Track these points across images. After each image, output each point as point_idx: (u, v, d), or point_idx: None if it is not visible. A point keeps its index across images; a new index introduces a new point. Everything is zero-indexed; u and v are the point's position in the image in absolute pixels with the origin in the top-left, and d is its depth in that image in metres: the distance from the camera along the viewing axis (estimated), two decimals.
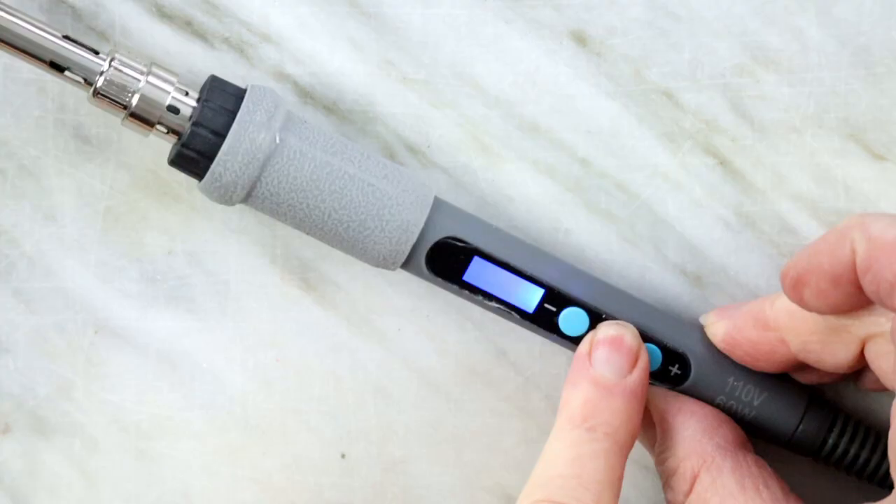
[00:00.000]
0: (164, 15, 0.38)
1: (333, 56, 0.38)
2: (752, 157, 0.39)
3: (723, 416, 0.37)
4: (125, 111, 0.35)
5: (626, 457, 0.35)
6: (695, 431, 0.36)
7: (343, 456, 0.41)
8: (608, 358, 0.36)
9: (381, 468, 0.41)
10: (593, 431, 0.35)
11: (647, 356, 0.36)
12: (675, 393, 0.37)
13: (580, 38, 0.39)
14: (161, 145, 0.38)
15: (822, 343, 0.35)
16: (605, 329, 0.36)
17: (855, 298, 0.33)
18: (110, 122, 0.39)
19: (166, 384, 0.40)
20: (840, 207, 0.39)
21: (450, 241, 0.36)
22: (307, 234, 0.37)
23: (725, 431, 0.37)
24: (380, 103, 0.39)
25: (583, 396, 0.35)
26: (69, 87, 0.38)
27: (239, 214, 0.39)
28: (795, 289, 0.34)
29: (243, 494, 0.41)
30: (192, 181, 0.39)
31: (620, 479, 0.34)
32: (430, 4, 0.38)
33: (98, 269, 0.39)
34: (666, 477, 0.36)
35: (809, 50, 0.38)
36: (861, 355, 0.35)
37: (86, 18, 0.38)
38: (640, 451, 0.40)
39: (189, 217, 0.39)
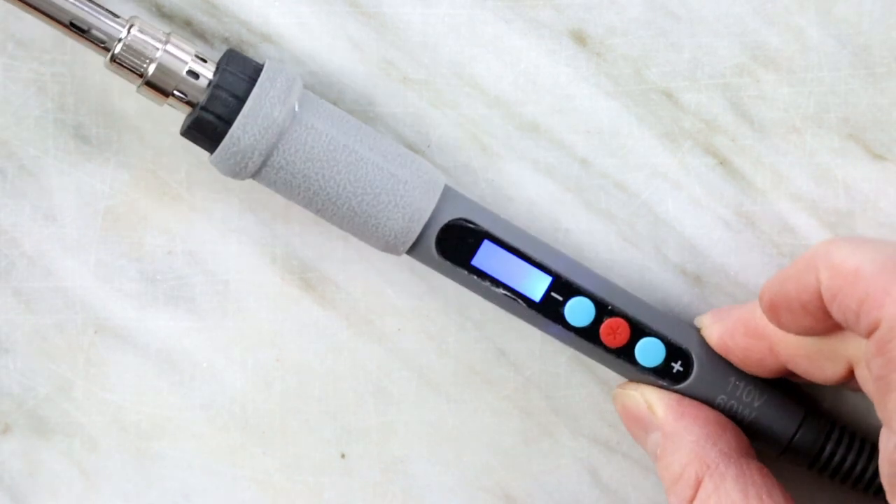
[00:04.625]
0: (164, 15, 0.38)
1: (333, 56, 0.38)
2: (752, 157, 0.39)
3: (726, 421, 0.37)
4: (141, 79, 0.35)
5: None
6: (698, 437, 0.36)
7: (343, 456, 0.41)
8: None
9: (381, 468, 0.41)
10: None
11: None
12: (678, 396, 0.37)
13: (580, 38, 0.39)
14: (161, 145, 0.38)
15: (810, 359, 0.35)
16: None
17: (829, 323, 0.33)
18: (110, 122, 0.39)
19: (166, 384, 0.40)
20: (840, 207, 0.39)
21: (461, 222, 0.36)
22: (317, 212, 0.36)
23: (729, 438, 0.36)
24: (380, 103, 0.39)
25: None
26: (69, 86, 0.38)
27: (239, 214, 0.39)
28: (771, 312, 0.34)
29: (243, 494, 0.41)
30: (192, 181, 0.39)
31: None
32: (430, 4, 0.38)
33: (98, 269, 0.39)
34: (669, 482, 0.36)
35: (809, 50, 0.38)
36: (849, 372, 0.35)
37: None
38: (640, 450, 0.40)
39: (189, 217, 0.39)
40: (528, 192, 0.39)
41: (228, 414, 0.40)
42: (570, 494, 0.41)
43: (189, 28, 0.38)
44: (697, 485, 0.35)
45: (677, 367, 0.37)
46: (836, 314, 0.32)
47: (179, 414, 0.40)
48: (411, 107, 0.39)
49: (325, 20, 0.38)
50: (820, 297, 0.33)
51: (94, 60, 0.38)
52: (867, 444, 0.38)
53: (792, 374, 0.37)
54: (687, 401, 0.37)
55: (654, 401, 0.37)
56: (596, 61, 0.39)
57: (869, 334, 0.31)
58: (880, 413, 0.32)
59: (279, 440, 0.40)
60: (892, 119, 0.39)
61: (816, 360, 0.35)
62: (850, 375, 0.35)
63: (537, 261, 0.37)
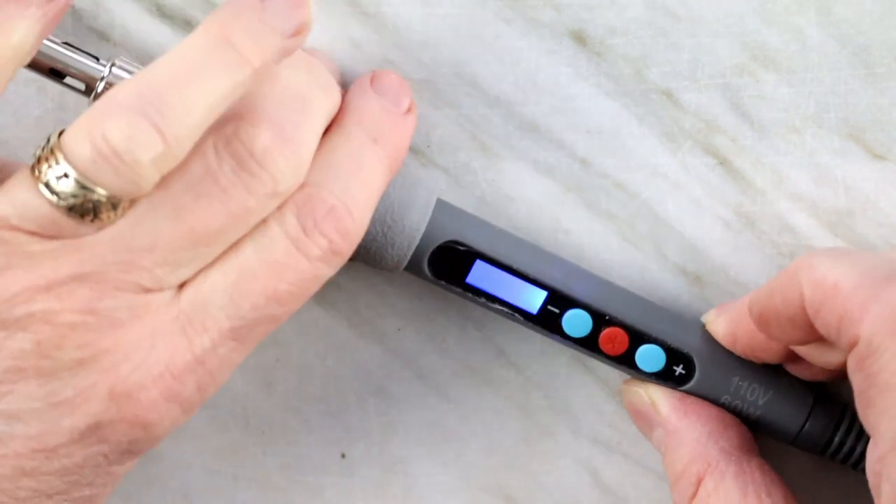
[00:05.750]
0: (164, 15, 0.38)
1: (333, 56, 0.38)
2: (752, 157, 0.39)
3: (730, 418, 0.37)
4: None
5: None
6: (700, 435, 0.36)
7: (343, 456, 0.41)
8: (396, 93, 0.36)
9: (381, 468, 0.41)
10: (378, 145, 0.35)
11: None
12: (681, 394, 0.37)
13: (580, 38, 0.39)
14: None
15: (812, 345, 0.35)
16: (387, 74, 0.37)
17: (818, 335, 0.33)
18: None
19: None
20: (840, 207, 0.39)
21: (452, 244, 0.37)
22: None
23: (731, 435, 0.37)
24: None
25: (375, 114, 0.35)
26: None
27: None
28: (760, 324, 0.35)
29: (243, 494, 0.41)
30: None
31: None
32: (430, 4, 0.38)
33: None
34: (672, 479, 0.36)
35: (809, 50, 0.38)
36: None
37: (86, 18, 0.38)
38: (640, 450, 0.40)
39: None
40: (528, 192, 0.39)
41: (228, 414, 0.40)
42: (570, 494, 0.41)
43: (189, 28, 0.38)
44: (699, 483, 0.35)
45: (679, 370, 0.37)
46: (820, 329, 0.32)
47: None
48: None
49: (325, 20, 0.38)
50: (805, 311, 0.32)
51: None
52: None
53: (798, 358, 0.37)
54: (690, 399, 0.37)
55: (657, 399, 0.37)
56: (596, 61, 0.39)
57: (849, 349, 0.31)
58: (865, 426, 0.32)
59: (279, 440, 0.40)
60: (892, 119, 0.39)
61: (818, 348, 0.35)
62: None
63: (531, 276, 0.37)
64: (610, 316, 0.37)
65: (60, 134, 0.30)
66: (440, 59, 0.39)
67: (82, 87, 0.35)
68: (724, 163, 0.39)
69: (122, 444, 0.32)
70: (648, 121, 0.39)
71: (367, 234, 0.36)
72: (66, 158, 0.30)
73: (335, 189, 0.33)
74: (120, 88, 0.30)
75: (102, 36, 0.38)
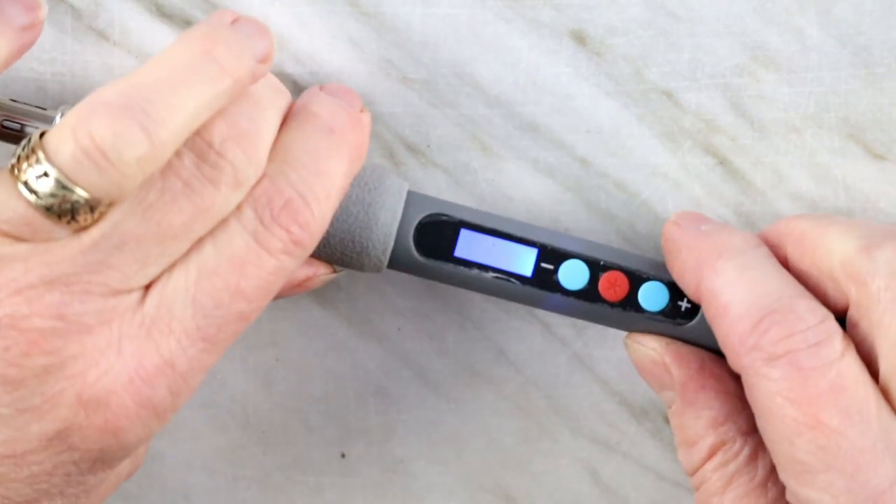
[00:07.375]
0: (164, 14, 0.38)
1: (333, 56, 0.38)
2: (752, 157, 0.39)
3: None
4: None
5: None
6: (718, 413, 0.36)
7: (343, 456, 0.41)
8: (347, 95, 0.36)
9: (381, 468, 0.41)
10: (334, 136, 0.35)
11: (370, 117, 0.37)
12: (699, 363, 0.36)
13: (580, 38, 0.39)
14: None
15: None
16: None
17: None
18: None
19: None
20: (840, 207, 0.39)
21: (434, 218, 0.36)
22: None
23: (749, 414, 0.36)
24: (380, 103, 0.39)
25: (328, 108, 0.35)
26: (69, 86, 0.38)
27: None
28: None
29: (243, 494, 0.41)
30: None
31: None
32: (430, 4, 0.38)
33: None
34: (681, 441, 0.35)
35: (809, 50, 0.38)
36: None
37: (86, 18, 0.38)
38: (640, 450, 0.40)
39: None
40: (528, 192, 0.39)
41: (228, 414, 0.40)
42: (570, 494, 0.41)
43: (189, 27, 0.38)
44: (707, 457, 0.35)
45: (685, 304, 0.37)
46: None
47: (179, 414, 0.40)
48: (411, 106, 0.39)
49: (325, 20, 0.38)
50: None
51: (95, 60, 0.38)
52: None
53: None
54: (709, 370, 0.36)
55: (672, 364, 0.36)
56: (596, 61, 0.39)
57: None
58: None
59: (279, 440, 0.40)
60: (892, 119, 0.39)
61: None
62: None
63: (519, 236, 0.37)
64: (605, 261, 0.37)
65: (42, 134, 0.30)
66: (440, 59, 0.39)
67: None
68: (724, 163, 0.39)
69: (93, 451, 0.31)
70: (648, 120, 0.39)
71: (346, 235, 0.35)
72: (48, 157, 0.30)
73: (291, 181, 0.33)
74: (106, 89, 0.30)
75: (102, 36, 0.38)
